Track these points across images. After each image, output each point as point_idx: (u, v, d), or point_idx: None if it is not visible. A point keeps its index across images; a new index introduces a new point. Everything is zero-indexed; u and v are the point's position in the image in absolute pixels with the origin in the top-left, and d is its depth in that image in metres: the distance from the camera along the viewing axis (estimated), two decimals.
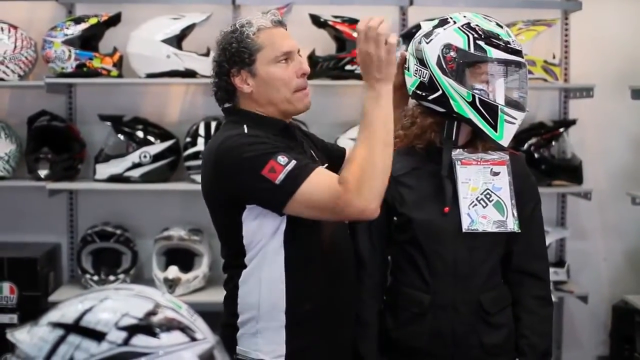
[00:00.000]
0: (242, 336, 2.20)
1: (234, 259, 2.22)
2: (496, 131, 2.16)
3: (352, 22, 4.10)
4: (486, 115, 2.14)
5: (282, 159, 2.03)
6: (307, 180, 2.02)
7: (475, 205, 2.21)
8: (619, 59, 4.39)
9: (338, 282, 2.24)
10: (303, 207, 2.05)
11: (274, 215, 2.11)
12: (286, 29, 2.24)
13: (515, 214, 2.21)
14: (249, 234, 2.15)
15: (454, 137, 2.23)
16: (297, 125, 2.37)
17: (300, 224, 2.13)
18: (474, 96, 2.13)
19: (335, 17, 4.11)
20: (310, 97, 2.23)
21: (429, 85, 2.19)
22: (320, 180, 2.04)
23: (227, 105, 2.27)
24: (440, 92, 2.18)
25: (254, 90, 2.19)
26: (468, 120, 2.17)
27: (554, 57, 4.20)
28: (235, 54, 2.18)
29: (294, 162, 2.03)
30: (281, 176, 2.01)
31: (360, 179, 2.00)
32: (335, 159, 2.38)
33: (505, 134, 2.17)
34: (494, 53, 2.14)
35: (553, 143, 4.26)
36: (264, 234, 2.14)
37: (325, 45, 4.14)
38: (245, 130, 2.13)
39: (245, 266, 2.18)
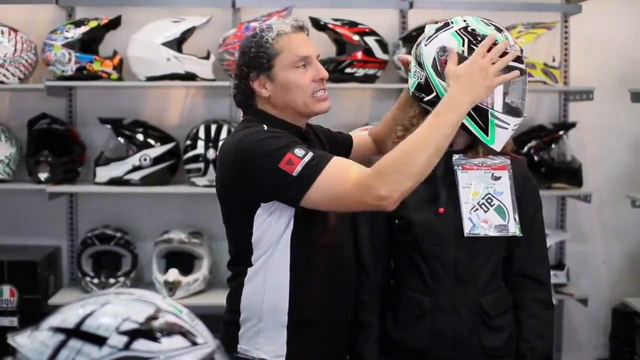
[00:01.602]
0: (244, 335, 2.21)
1: (240, 257, 2.23)
2: (487, 135, 2.16)
3: (352, 25, 4.11)
4: (477, 118, 2.14)
5: (299, 151, 2.04)
6: (325, 169, 2.02)
7: (477, 209, 2.20)
8: (618, 61, 4.39)
9: (340, 284, 2.26)
10: (321, 197, 2.04)
11: (284, 216, 2.13)
12: (307, 34, 2.27)
13: (517, 218, 2.21)
14: (258, 234, 2.16)
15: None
16: (310, 127, 2.37)
17: (308, 226, 2.16)
18: None
19: (335, 20, 4.12)
20: (329, 100, 2.26)
21: (425, 87, 2.20)
22: (339, 167, 2.04)
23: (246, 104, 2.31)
24: (434, 94, 2.18)
25: (272, 94, 2.21)
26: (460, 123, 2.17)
27: (553, 60, 4.21)
28: (254, 58, 2.20)
29: (311, 154, 2.04)
30: (299, 168, 2.02)
31: (395, 169, 1.98)
32: (343, 148, 2.42)
33: (497, 138, 2.16)
34: None
35: (553, 146, 4.26)
36: (273, 234, 2.15)
37: (325, 48, 4.14)
38: (265, 128, 2.16)
39: (251, 264, 2.20)
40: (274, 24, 2.23)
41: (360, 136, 2.60)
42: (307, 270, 2.19)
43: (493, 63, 2.07)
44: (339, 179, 2.02)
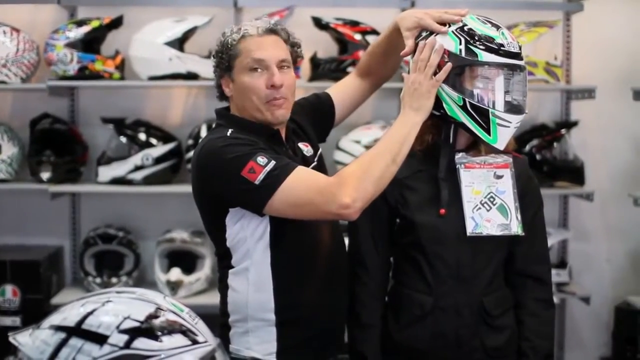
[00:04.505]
0: (234, 335, 2.22)
1: (222, 259, 2.24)
2: (489, 135, 2.15)
3: (354, 24, 4.11)
4: (478, 119, 2.14)
5: (261, 159, 2.04)
6: (287, 178, 2.03)
7: (479, 208, 2.20)
8: (620, 60, 4.38)
9: (329, 282, 2.24)
10: (285, 205, 2.05)
11: (257, 219, 2.13)
12: (281, 38, 2.23)
13: (519, 217, 2.20)
14: (232, 237, 2.17)
15: (451, 140, 2.23)
16: (294, 120, 2.34)
17: (286, 226, 2.14)
18: (464, 100, 2.13)
19: (337, 19, 4.12)
20: (286, 109, 2.21)
21: None
22: (302, 177, 2.06)
23: (219, 107, 2.30)
24: None
25: (233, 95, 2.22)
26: (461, 124, 2.17)
27: (555, 59, 4.20)
28: (220, 58, 2.22)
29: (273, 162, 2.04)
30: (261, 176, 2.02)
31: (355, 176, 2.02)
32: (327, 109, 2.44)
33: (500, 138, 2.16)
34: (485, 57, 2.13)
35: (555, 144, 4.24)
36: (247, 237, 2.15)
37: (327, 47, 4.15)
38: (228, 134, 2.15)
39: (232, 267, 2.20)
40: (245, 25, 2.22)
41: (341, 84, 2.54)
42: (290, 269, 2.18)
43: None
44: (302, 188, 2.04)
